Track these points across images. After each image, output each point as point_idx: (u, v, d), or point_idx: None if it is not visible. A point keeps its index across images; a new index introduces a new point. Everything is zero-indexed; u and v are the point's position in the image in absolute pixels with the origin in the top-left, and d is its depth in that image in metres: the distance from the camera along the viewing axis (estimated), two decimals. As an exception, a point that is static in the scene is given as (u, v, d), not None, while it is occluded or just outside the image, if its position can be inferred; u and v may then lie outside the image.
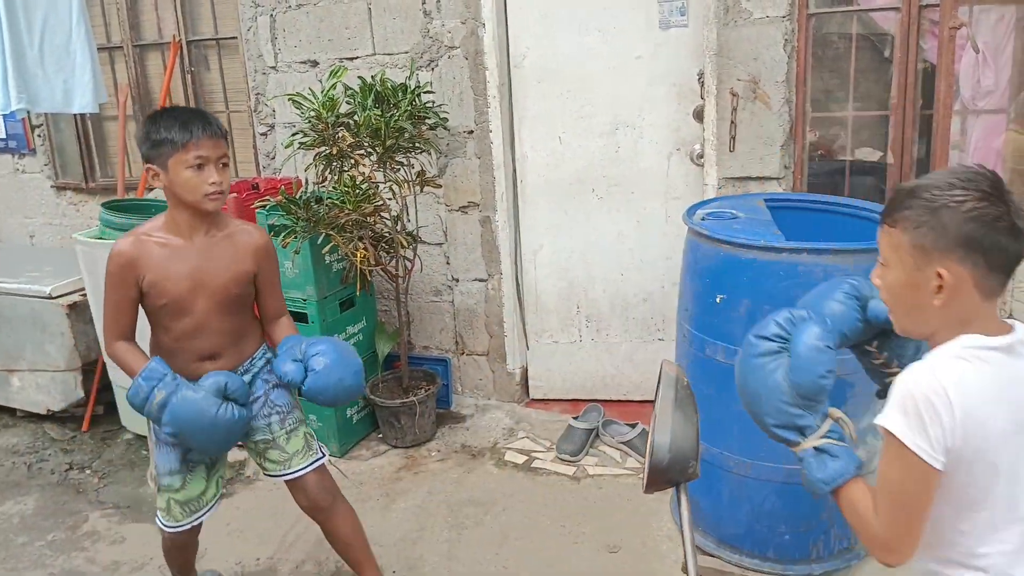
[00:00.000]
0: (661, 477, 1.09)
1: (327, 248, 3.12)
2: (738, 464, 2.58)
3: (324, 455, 2.37)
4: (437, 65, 3.49)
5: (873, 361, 1.56)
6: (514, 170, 3.63)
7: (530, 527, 3.00)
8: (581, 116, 3.50)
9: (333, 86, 2.84)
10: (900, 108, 2.87)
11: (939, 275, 1.21)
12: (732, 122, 3.03)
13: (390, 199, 3.12)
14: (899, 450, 1.20)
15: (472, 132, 3.52)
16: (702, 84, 3.20)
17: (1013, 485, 1.24)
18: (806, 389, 1.35)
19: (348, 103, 2.96)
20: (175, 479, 2.26)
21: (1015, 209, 1.20)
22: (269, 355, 2.34)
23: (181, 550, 2.50)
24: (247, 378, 2.26)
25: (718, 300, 2.50)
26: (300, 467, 2.31)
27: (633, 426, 3.50)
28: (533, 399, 3.94)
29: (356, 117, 2.85)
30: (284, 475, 2.32)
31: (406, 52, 3.52)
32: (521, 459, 3.45)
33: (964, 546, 1.26)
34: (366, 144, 2.93)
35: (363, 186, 3.06)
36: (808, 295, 1.63)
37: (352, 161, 2.92)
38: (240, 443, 2.31)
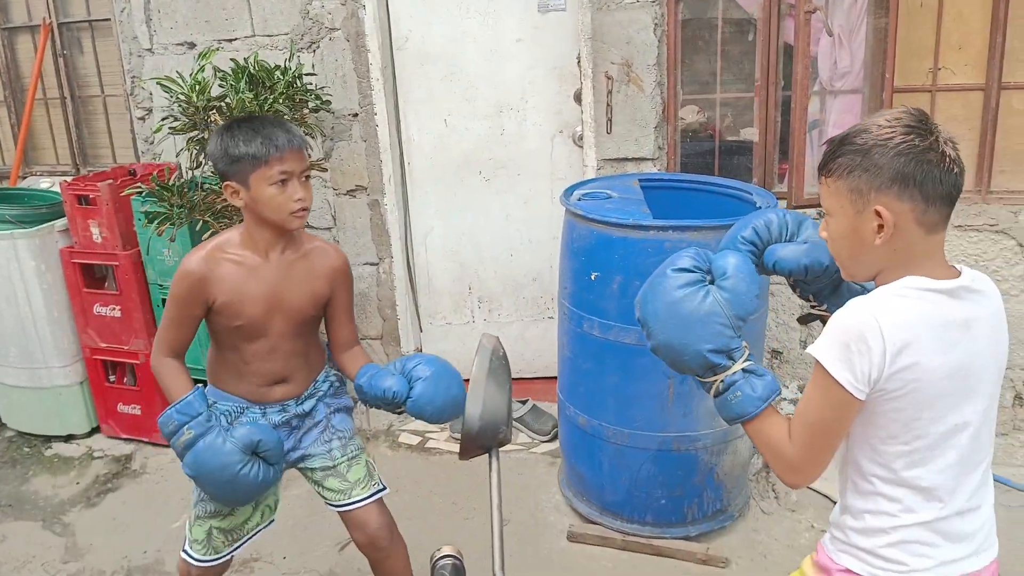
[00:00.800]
0: (473, 444, 1.13)
1: (208, 235, 3.06)
2: (616, 434, 2.67)
3: (384, 488, 2.22)
4: (319, 47, 3.46)
5: (804, 300, 1.60)
6: (401, 153, 3.64)
7: (423, 506, 3.04)
8: (465, 99, 3.52)
9: (202, 68, 2.78)
10: (764, 89, 3.00)
11: (877, 213, 1.22)
12: (608, 105, 3.11)
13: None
14: (825, 379, 1.23)
15: (357, 115, 3.50)
16: (580, 67, 3.27)
17: (949, 423, 1.27)
18: (742, 309, 1.35)
19: (221, 86, 2.91)
20: (222, 505, 2.07)
21: (943, 139, 1.22)
22: (332, 378, 2.20)
23: None
24: (310, 403, 2.12)
25: (593, 277, 2.58)
26: (360, 498, 2.15)
27: (524, 402, 3.57)
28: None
29: (228, 100, 2.80)
30: (344, 505, 2.15)
31: (286, 34, 3.46)
32: (415, 440, 3.49)
33: (891, 470, 1.29)
34: (242, 128, 2.88)
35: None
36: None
37: (227, 145, 2.86)
38: (297, 468, 2.17)
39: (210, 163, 1.95)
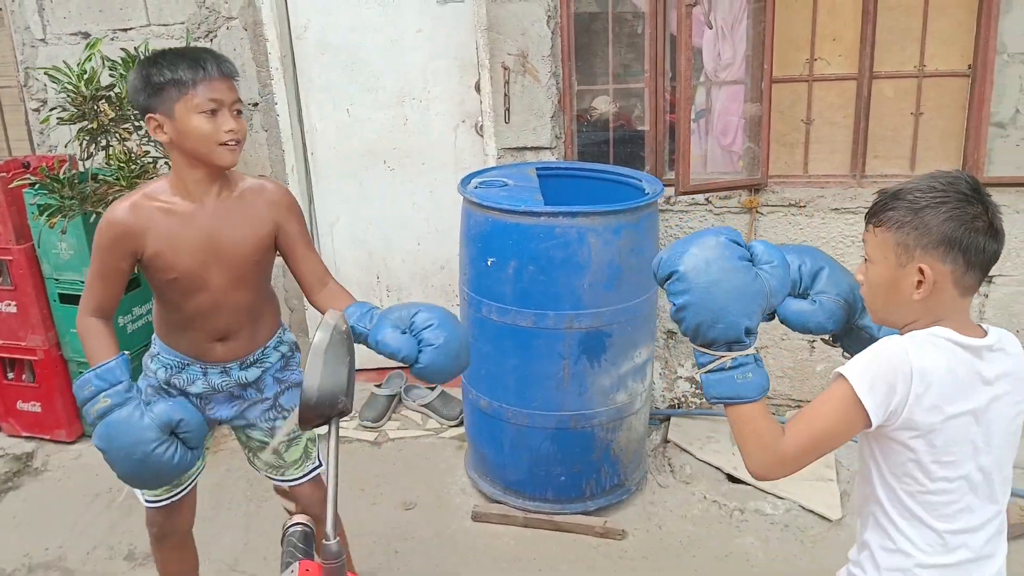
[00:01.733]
0: (312, 413, 1.18)
1: (104, 227, 3.02)
2: (515, 415, 2.76)
3: (320, 464, 2.18)
4: (216, 36, 3.43)
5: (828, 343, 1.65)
6: (304, 143, 3.64)
7: (329, 493, 3.07)
8: (367, 88, 3.54)
9: (88, 58, 2.74)
10: (652, 80, 3.11)
11: (920, 271, 1.28)
12: (505, 95, 3.17)
13: (166, 174, 3.05)
14: (847, 395, 1.28)
15: (257, 105, 3.49)
16: (478, 58, 3.33)
17: (963, 468, 1.32)
18: (775, 297, 1.39)
19: (112, 75, 2.87)
20: None
21: (992, 210, 1.28)
22: (284, 348, 2.09)
23: (174, 561, 2.20)
24: (254, 372, 2.01)
25: (489, 263, 2.65)
26: (295, 477, 2.12)
27: (433, 389, 3.63)
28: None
29: (118, 90, 2.76)
30: (276, 480, 2.15)
31: (182, 23, 3.42)
32: (324, 429, 3.50)
33: (909, 510, 1.35)
34: (132, 117, 2.85)
35: (140, 161, 2.98)
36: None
37: (118, 135, 2.83)
38: (232, 429, 2.10)
39: (131, 101, 1.81)
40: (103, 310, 1.86)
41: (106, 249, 1.81)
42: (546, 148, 3.24)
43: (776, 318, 1.55)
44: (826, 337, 1.61)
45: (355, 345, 1.76)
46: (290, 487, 2.13)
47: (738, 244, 1.37)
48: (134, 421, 1.69)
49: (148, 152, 3.06)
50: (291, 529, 1.19)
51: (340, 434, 2.00)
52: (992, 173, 2.90)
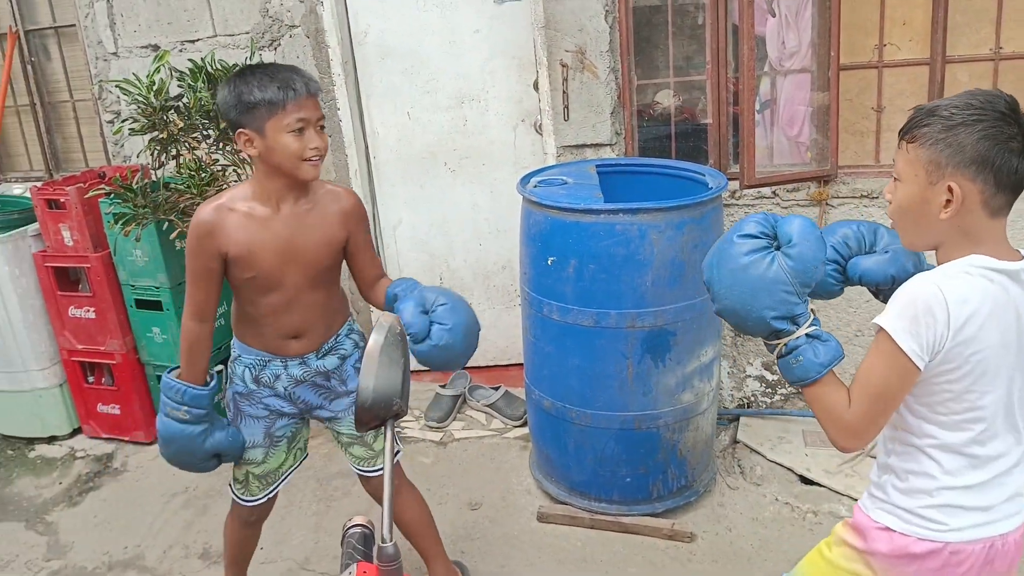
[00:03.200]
0: (368, 415, 1.18)
1: (175, 234, 3.11)
2: (579, 415, 2.73)
3: (401, 450, 2.34)
4: (279, 44, 3.49)
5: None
6: (366, 146, 3.68)
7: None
8: (427, 91, 3.56)
9: (157, 70, 2.82)
10: (714, 72, 3.04)
11: (949, 189, 1.26)
12: (564, 92, 3.15)
13: (235, 181, 3.13)
14: (891, 348, 1.27)
15: (320, 111, 3.54)
16: (536, 56, 3.31)
17: (999, 397, 1.32)
18: (808, 276, 1.37)
19: (180, 86, 2.95)
20: (257, 452, 2.15)
21: None
22: (356, 337, 2.20)
23: (245, 538, 2.35)
24: (332, 360, 2.12)
25: (549, 262, 2.63)
26: (382, 465, 2.22)
27: (496, 389, 3.63)
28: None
29: (186, 100, 2.84)
30: (367, 471, 2.24)
31: (247, 32, 3.50)
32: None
33: (939, 436, 1.35)
34: (201, 127, 2.92)
35: (209, 169, 3.06)
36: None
37: (187, 144, 2.91)
38: (323, 423, 2.22)
39: (221, 114, 1.91)
40: (203, 312, 1.99)
41: (195, 250, 1.93)
42: (606, 145, 3.20)
43: (855, 282, 1.55)
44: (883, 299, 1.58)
45: (468, 354, 1.97)
46: (378, 474, 2.23)
47: (753, 236, 1.39)
48: (195, 442, 1.98)
49: (217, 160, 3.14)
50: (351, 530, 1.20)
51: (406, 435, 2.01)
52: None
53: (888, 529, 1.40)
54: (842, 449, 1.37)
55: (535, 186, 2.81)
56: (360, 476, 2.27)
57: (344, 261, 2.10)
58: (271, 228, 1.92)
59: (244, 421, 2.14)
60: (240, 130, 1.84)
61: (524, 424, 3.43)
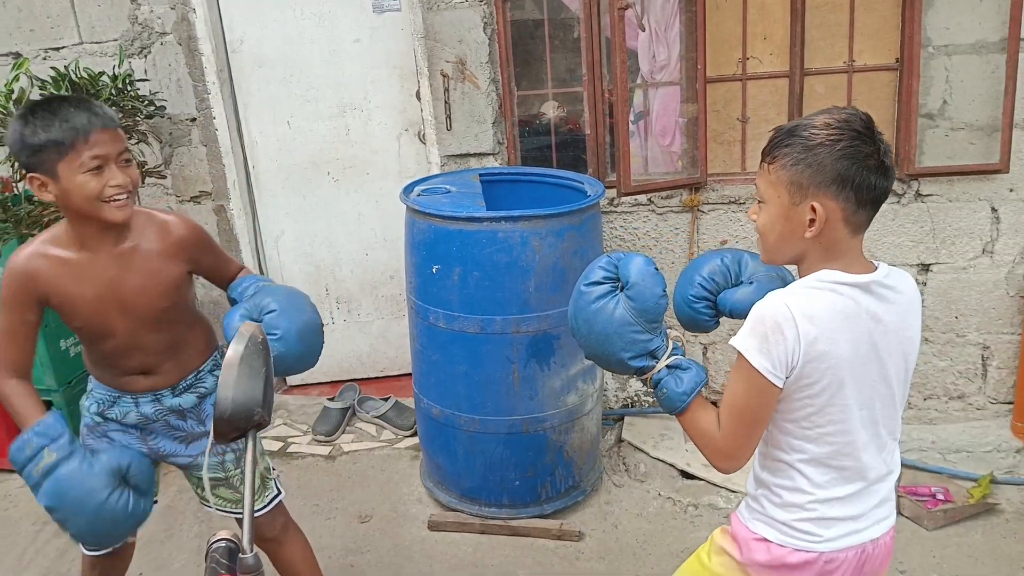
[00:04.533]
0: (227, 427, 1.16)
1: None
2: (468, 421, 2.75)
3: (280, 492, 2.11)
4: (150, 52, 3.38)
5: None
6: (244, 156, 3.60)
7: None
8: (307, 100, 3.52)
9: (16, 78, 2.68)
10: (591, 84, 3.13)
11: (813, 209, 1.29)
12: (446, 102, 3.18)
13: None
14: (746, 369, 1.30)
15: (195, 120, 3.44)
16: (417, 66, 3.33)
17: (860, 407, 1.35)
18: (650, 313, 1.40)
19: (43, 94, 2.81)
20: None
21: (884, 148, 1.30)
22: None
23: None
24: (190, 398, 1.95)
25: (434, 271, 2.65)
26: (257, 509, 2.02)
27: (387, 399, 3.61)
28: (292, 386, 3.94)
29: (49, 110, 2.71)
30: (234, 514, 2.06)
31: (115, 40, 3.37)
32: (277, 446, 3.46)
33: (807, 451, 1.38)
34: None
35: (76, 182, 2.92)
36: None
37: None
38: (183, 472, 2.03)
39: (12, 156, 1.73)
40: (18, 368, 1.77)
41: (10, 301, 1.74)
42: (489, 154, 3.24)
43: (727, 315, 1.59)
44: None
45: (308, 359, 1.86)
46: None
47: (598, 283, 1.44)
48: (83, 472, 1.62)
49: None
50: (215, 545, 1.17)
51: (292, 450, 1.97)
52: (923, 163, 2.97)
53: (765, 540, 1.43)
54: (720, 470, 1.40)
55: (419, 195, 2.82)
56: (238, 520, 2.06)
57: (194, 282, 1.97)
58: (88, 276, 1.75)
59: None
60: (31, 175, 1.65)
61: (415, 434, 3.42)
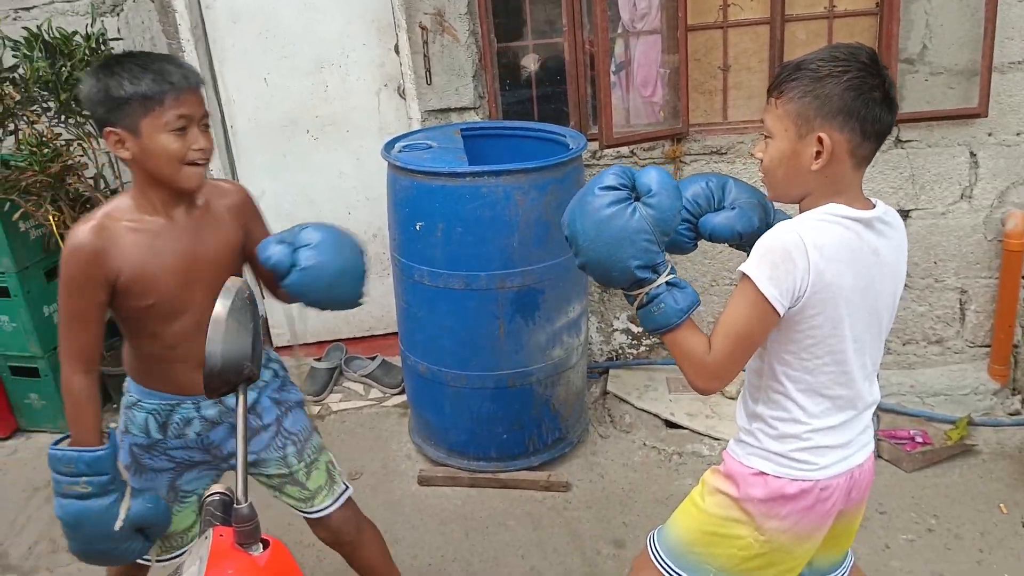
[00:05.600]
0: (218, 381, 1.16)
1: (18, 215, 2.92)
2: (454, 377, 2.77)
3: (348, 488, 2.02)
4: (122, 10, 3.30)
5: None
6: (222, 115, 3.55)
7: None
8: (284, 56, 3.46)
9: (-12, 38, 2.63)
10: (571, 34, 3.10)
11: (819, 140, 1.31)
12: (425, 56, 3.14)
13: (81, 156, 2.96)
14: (753, 293, 1.32)
15: (170, 80, 3.38)
16: (395, 19, 3.27)
17: (855, 338, 1.38)
18: (667, 224, 1.38)
19: (15, 56, 2.75)
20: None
21: (888, 81, 1.32)
22: (275, 366, 1.93)
23: None
24: (251, 393, 1.83)
25: (417, 227, 2.64)
26: (324, 506, 1.94)
27: (374, 359, 3.62)
28: (278, 347, 3.94)
29: (22, 71, 2.66)
30: (307, 513, 1.96)
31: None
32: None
33: (804, 381, 1.41)
34: (40, 99, 2.74)
35: (52, 144, 2.88)
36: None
37: (26, 118, 2.73)
38: (256, 475, 1.92)
39: (87, 109, 1.63)
40: (89, 359, 1.67)
41: (77, 283, 1.62)
42: (470, 108, 3.22)
43: (706, 238, 1.59)
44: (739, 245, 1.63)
45: (340, 302, 1.74)
46: (321, 517, 1.96)
47: (613, 188, 1.39)
48: (108, 518, 1.60)
49: (60, 135, 2.95)
50: (209, 498, 1.19)
51: (325, 450, 1.92)
52: (904, 109, 2.96)
53: (762, 474, 1.45)
54: (702, 391, 1.41)
55: (400, 151, 2.80)
56: (308, 520, 2.00)
57: (248, 264, 1.87)
58: (166, 243, 1.66)
59: (145, 476, 1.83)
60: (109, 129, 1.58)
61: (402, 392, 3.44)
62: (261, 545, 1.11)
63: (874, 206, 1.39)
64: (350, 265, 1.73)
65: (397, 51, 3.35)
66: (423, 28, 3.10)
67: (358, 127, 3.58)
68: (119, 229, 1.63)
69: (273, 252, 1.67)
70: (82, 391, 1.66)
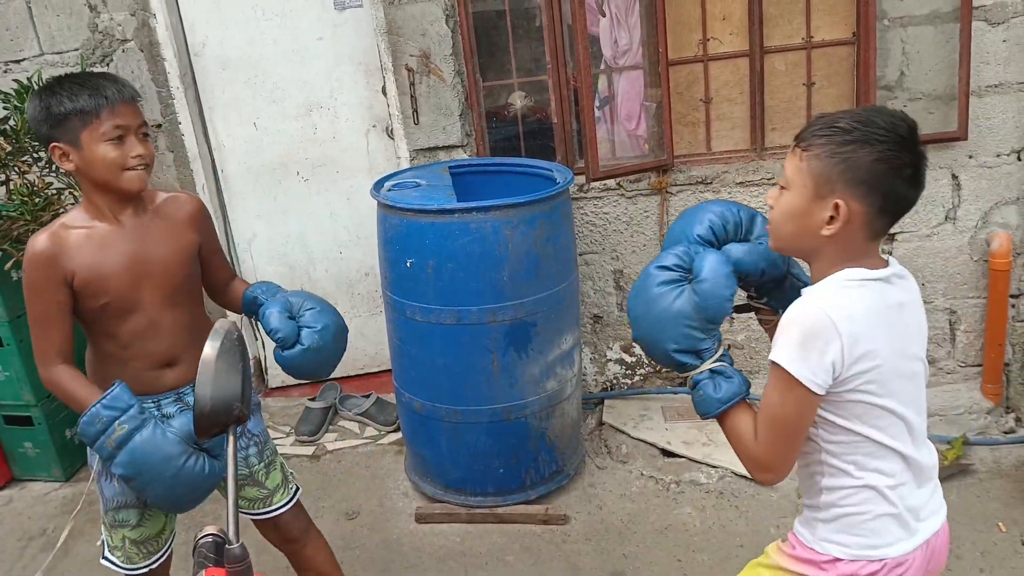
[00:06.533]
0: (208, 423, 1.17)
1: (10, 264, 2.94)
2: (449, 413, 2.77)
3: (299, 488, 2.13)
4: (112, 60, 3.35)
5: (745, 291, 1.57)
6: (212, 160, 3.59)
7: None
8: (273, 100, 3.51)
9: (-23, 93, 2.67)
10: (555, 71, 3.16)
11: (836, 206, 1.24)
12: (412, 96, 3.19)
13: (71, 204, 2.98)
14: (785, 378, 1.25)
15: (160, 126, 3.43)
16: (381, 62, 3.33)
17: (900, 399, 1.32)
18: (712, 312, 1.35)
19: (6, 108, 2.79)
20: (130, 514, 1.89)
21: (922, 159, 1.25)
22: None
23: None
24: None
25: (408, 265, 2.66)
26: (279, 504, 2.04)
27: (368, 396, 3.62)
28: (272, 388, 3.94)
29: (12, 123, 2.69)
30: (262, 513, 2.03)
31: (76, 50, 3.34)
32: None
33: (864, 452, 1.33)
34: (31, 149, 2.78)
35: (43, 193, 2.90)
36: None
37: (17, 169, 2.75)
38: None
39: (32, 130, 1.77)
40: (61, 352, 1.77)
41: (38, 285, 1.74)
42: (458, 146, 3.26)
43: (755, 291, 1.53)
44: (752, 293, 1.57)
45: (335, 358, 1.97)
46: (277, 515, 2.05)
47: (668, 268, 1.38)
48: (159, 440, 1.64)
49: (51, 184, 2.98)
50: (202, 540, 1.18)
51: (278, 451, 1.95)
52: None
53: (835, 560, 1.37)
54: (760, 483, 1.36)
55: (389, 190, 2.83)
56: (256, 523, 2.08)
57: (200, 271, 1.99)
58: (116, 244, 1.78)
59: (110, 479, 1.88)
60: (53, 144, 1.72)
61: (398, 429, 3.44)
62: (254, 585, 1.12)
63: (888, 264, 1.34)
64: (341, 353, 1.98)
65: (384, 92, 3.40)
66: (409, 70, 3.16)
67: (348, 168, 3.62)
68: (72, 235, 1.76)
69: (281, 327, 1.87)
70: (65, 372, 1.76)
